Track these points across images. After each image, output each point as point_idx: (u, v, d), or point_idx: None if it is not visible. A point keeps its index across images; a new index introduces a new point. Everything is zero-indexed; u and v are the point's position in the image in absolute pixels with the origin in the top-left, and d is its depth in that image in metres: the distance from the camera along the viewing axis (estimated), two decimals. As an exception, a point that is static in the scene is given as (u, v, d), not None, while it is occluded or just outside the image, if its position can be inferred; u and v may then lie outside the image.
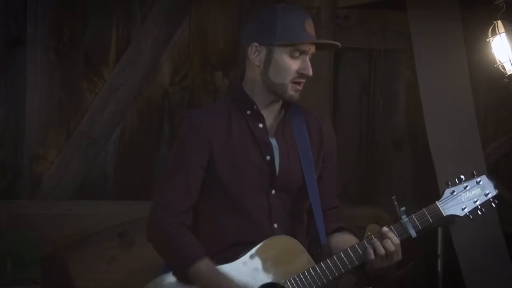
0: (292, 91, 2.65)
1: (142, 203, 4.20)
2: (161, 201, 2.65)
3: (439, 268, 3.98)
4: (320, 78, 4.50)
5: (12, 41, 4.28)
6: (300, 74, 2.64)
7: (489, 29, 3.48)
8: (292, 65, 2.62)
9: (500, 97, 4.53)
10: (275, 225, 2.66)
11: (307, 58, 2.65)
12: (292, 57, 2.62)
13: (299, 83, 2.65)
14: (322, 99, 4.52)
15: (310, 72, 2.64)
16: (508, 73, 3.46)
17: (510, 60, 3.44)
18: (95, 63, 4.39)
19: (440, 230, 3.96)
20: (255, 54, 2.65)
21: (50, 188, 4.31)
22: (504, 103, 4.57)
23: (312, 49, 2.66)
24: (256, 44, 2.65)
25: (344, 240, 2.71)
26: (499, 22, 3.44)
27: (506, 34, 3.42)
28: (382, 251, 2.56)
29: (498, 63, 3.47)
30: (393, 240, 2.58)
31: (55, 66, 4.34)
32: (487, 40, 3.49)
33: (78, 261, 4.09)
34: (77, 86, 4.37)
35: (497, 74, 3.51)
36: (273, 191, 2.67)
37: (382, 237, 2.58)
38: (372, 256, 2.56)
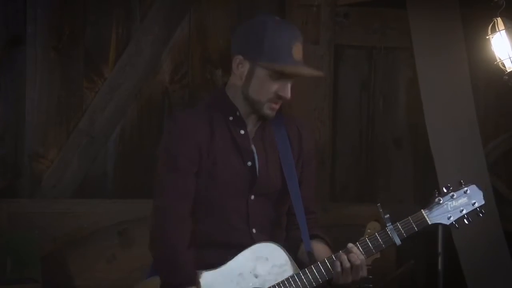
0: (268, 110, 2.65)
1: (142, 201, 4.20)
2: (162, 207, 2.63)
3: (440, 266, 3.98)
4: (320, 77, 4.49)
5: (12, 40, 4.28)
6: (279, 96, 2.64)
7: (488, 26, 3.48)
8: (272, 86, 2.62)
9: (500, 94, 4.53)
10: (254, 230, 2.67)
11: (288, 82, 2.64)
12: (273, 78, 2.62)
13: (276, 103, 2.65)
14: (322, 97, 4.52)
15: (288, 96, 2.64)
16: (508, 71, 3.46)
17: (510, 58, 3.43)
18: (95, 62, 4.39)
19: (440, 228, 3.96)
20: (239, 67, 2.64)
21: (50, 187, 4.32)
22: (504, 100, 4.57)
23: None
24: (240, 57, 2.64)
25: (316, 248, 2.71)
26: (499, 19, 3.44)
27: (505, 32, 3.42)
28: (347, 264, 2.58)
29: (498, 60, 3.47)
30: (358, 255, 2.61)
31: (55, 65, 4.34)
32: (487, 37, 3.49)
33: (78, 260, 4.09)
34: (77, 85, 4.37)
35: (497, 71, 3.51)
36: (252, 197, 2.67)
37: (348, 251, 2.61)
38: (339, 268, 2.59)
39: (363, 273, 2.62)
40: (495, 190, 4.36)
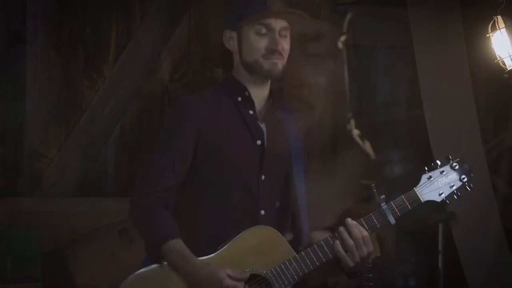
0: (268, 65, 2.66)
1: (142, 200, 4.20)
2: (145, 179, 2.66)
3: (440, 265, 3.98)
4: (319, 76, 4.49)
5: (12, 39, 4.28)
6: (270, 50, 2.65)
7: (489, 24, 3.48)
8: (260, 42, 2.65)
9: (501, 93, 4.53)
10: (262, 212, 2.67)
11: (276, 34, 2.65)
12: (259, 34, 2.65)
13: (272, 59, 2.66)
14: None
15: (279, 47, 2.65)
16: (508, 69, 3.46)
17: (510, 56, 3.44)
18: (95, 60, 4.39)
19: (441, 226, 3.96)
20: (230, 41, 2.72)
21: (50, 185, 4.32)
22: (504, 99, 4.57)
23: (280, 23, 2.66)
24: (228, 31, 2.72)
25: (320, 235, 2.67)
26: (499, 17, 3.44)
27: (506, 30, 3.42)
28: (350, 241, 2.55)
29: (498, 58, 3.47)
30: (360, 229, 2.57)
31: (55, 64, 4.34)
32: (487, 35, 3.49)
33: (78, 258, 4.09)
34: (77, 84, 4.37)
35: (497, 69, 3.51)
36: (263, 176, 2.68)
37: (348, 228, 2.58)
38: (339, 246, 2.56)
39: (369, 248, 2.58)
40: (495, 189, 4.36)
